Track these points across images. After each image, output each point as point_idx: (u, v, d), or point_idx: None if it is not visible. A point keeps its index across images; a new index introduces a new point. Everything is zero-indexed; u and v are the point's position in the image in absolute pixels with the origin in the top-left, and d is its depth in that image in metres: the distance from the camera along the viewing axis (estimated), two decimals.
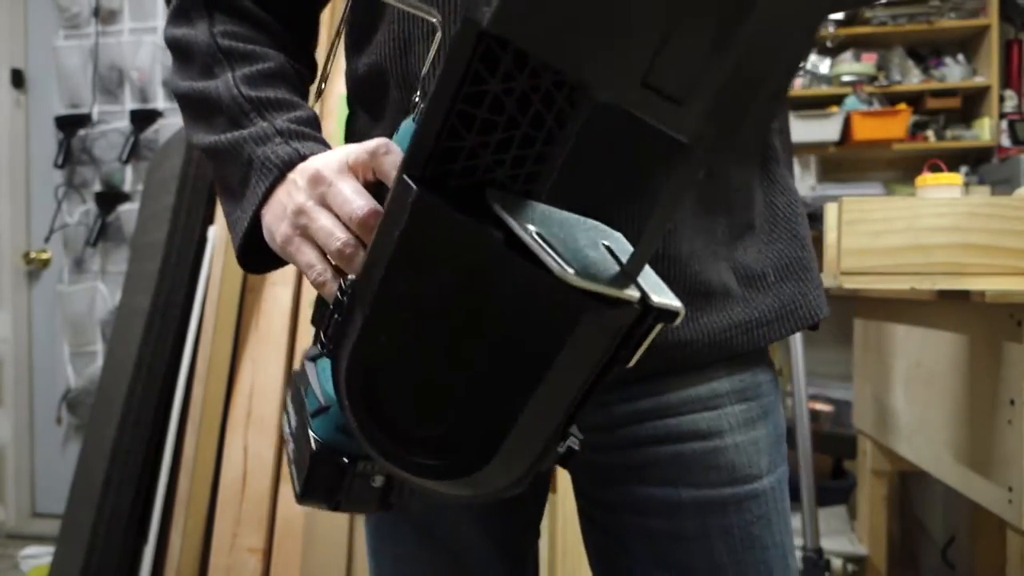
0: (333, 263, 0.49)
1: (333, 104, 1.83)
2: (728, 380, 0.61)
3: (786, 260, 0.63)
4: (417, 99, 0.52)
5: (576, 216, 0.35)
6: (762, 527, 0.61)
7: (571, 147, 0.34)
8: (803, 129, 2.83)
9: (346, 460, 0.39)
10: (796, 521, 1.91)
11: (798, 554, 1.93)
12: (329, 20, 1.72)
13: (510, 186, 0.31)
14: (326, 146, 0.57)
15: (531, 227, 0.29)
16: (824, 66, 3.04)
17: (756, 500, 0.61)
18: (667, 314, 0.31)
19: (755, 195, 0.62)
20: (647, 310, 0.30)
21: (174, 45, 0.66)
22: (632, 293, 0.29)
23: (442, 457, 0.33)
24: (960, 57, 3.08)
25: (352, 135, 0.68)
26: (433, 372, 0.32)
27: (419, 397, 0.33)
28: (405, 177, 0.31)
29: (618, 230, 0.54)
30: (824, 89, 2.97)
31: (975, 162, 3.01)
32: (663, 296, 0.31)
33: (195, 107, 0.63)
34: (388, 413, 0.33)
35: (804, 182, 2.91)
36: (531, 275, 0.29)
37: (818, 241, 1.18)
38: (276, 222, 0.52)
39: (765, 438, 0.62)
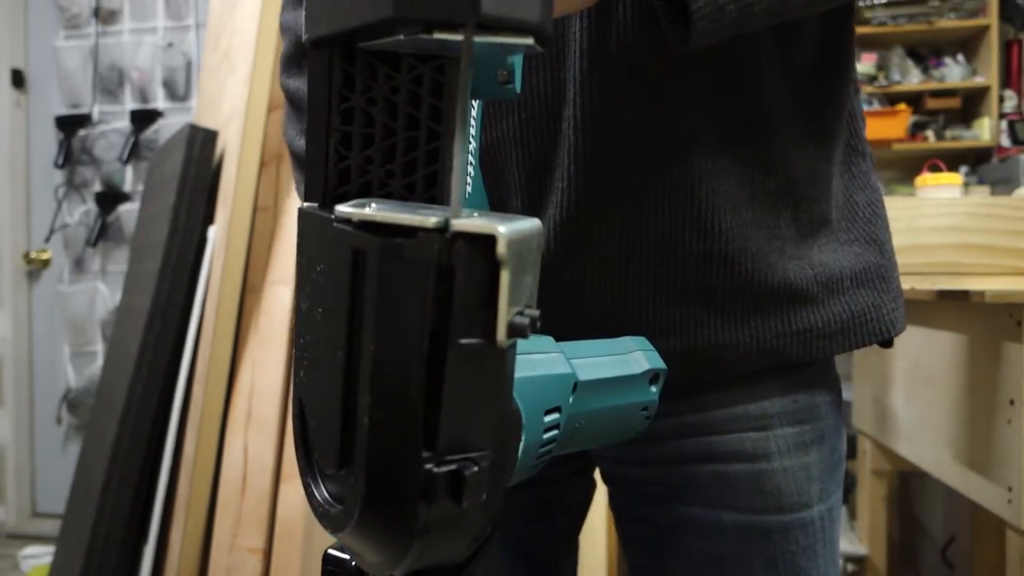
0: None
1: None
2: (780, 400, 0.56)
3: (863, 264, 0.58)
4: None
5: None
6: (808, 559, 0.57)
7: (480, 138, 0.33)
8: None
9: (353, 562, 0.33)
10: None
11: None
12: None
13: (409, 196, 0.30)
14: None
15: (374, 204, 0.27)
16: None
17: (803, 529, 0.57)
18: (481, 245, 0.25)
19: (831, 187, 0.57)
20: (446, 237, 0.25)
21: (286, 95, 0.66)
22: (427, 218, 0.25)
23: (340, 502, 0.29)
24: (960, 57, 3.08)
25: None
26: (322, 392, 0.29)
27: (322, 423, 0.30)
28: (302, 206, 0.31)
29: (653, 203, 0.52)
30: None
31: (975, 162, 3.02)
32: (483, 222, 0.25)
33: (300, 165, 0.64)
34: (311, 447, 0.31)
35: None
36: (337, 233, 0.27)
37: None
38: None
39: (818, 464, 0.58)
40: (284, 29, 0.67)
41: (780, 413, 0.56)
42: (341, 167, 0.31)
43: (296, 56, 0.65)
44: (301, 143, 0.63)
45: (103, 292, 2.94)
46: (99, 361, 2.89)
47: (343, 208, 0.27)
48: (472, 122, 0.36)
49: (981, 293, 1.10)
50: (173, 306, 1.86)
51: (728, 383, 0.56)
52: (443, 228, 0.25)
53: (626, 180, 0.52)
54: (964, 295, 1.15)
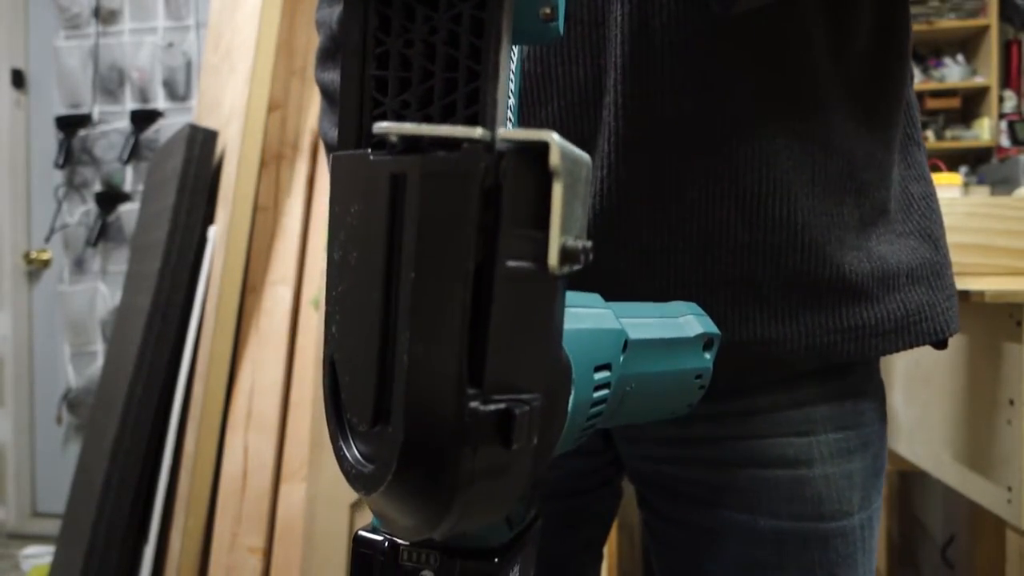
0: None
1: None
2: (825, 405, 0.54)
3: (918, 260, 0.55)
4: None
5: None
6: (847, 568, 0.55)
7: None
8: None
9: (386, 543, 0.31)
10: None
11: None
12: None
13: None
14: None
15: None
16: None
17: (843, 538, 0.54)
18: (531, 158, 0.23)
19: (891, 175, 0.55)
20: (494, 151, 0.23)
21: (321, 89, 0.66)
22: (472, 130, 0.23)
23: (371, 461, 0.27)
24: (960, 57, 3.08)
25: None
26: (356, 343, 0.27)
27: (355, 377, 0.27)
28: (335, 153, 0.30)
29: (697, 192, 0.50)
30: None
31: (975, 162, 3.02)
32: (532, 131, 0.24)
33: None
34: (342, 405, 0.29)
35: None
36: (374, 165, 0.26)
37: None
38: None
39: (861, 471, 0.55)
40: (319, 24, 0.66)
41: (824, 418, 0.54)
42: (376, 113, 0.29)
43: (330, 50, 0.64)
44: (334, 134, 0.63)
45: (103, 292, 2.94)
46: (99, 361, 2.89)
47: (382, 124, 0.25)
48: (512, 75, 0.34)
49: (981, 293, 1.10)
50: (173, 306, 1.86)
51: (773, 385, 0.54)
52: (489, 141, 0.23)
53: (668, 168, 0.50)
54: (964, 295, 1.15)
